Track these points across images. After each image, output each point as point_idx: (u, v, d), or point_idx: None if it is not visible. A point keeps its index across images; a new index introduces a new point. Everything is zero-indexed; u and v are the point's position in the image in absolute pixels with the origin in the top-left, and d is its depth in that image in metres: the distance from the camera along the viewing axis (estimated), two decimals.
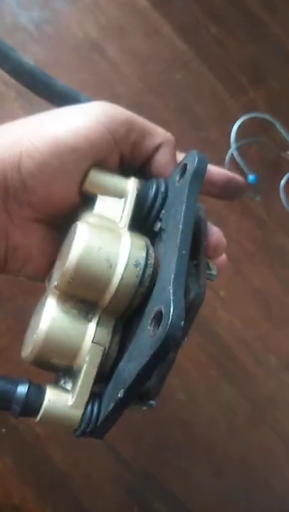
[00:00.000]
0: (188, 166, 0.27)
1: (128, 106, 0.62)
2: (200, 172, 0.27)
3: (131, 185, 0.29)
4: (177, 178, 0.28)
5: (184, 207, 0.25)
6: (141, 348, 0.23)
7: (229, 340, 0.58)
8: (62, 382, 0.27)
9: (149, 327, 0.23)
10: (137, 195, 0.29)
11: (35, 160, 0.27)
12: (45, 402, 0.25)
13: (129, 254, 0.25)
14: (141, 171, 0.31)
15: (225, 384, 0.58)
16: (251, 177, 0.63)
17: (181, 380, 0.57)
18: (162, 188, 0.28)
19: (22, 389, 0.26)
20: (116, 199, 0.29)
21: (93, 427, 0.26)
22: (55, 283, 0.26)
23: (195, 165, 0.26)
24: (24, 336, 0.29)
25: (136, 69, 0.64)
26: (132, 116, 0.32)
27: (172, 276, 0.23)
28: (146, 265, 0.25)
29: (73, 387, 0.26)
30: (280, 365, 0.59)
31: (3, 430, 0.52)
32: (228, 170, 0.63)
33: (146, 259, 0.25)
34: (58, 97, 0.43)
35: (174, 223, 0.26)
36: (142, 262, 0.25)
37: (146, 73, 0.65)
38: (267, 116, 0.66)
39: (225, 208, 0.62)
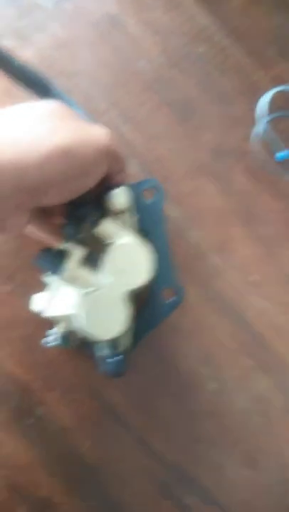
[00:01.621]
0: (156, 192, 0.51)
1: (150, 81, 0.59)
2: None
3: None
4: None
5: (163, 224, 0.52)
6: None
7: (262, 328, 0.55)
8: None
9: None
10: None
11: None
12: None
13: None
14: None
15: (258, 374, 0.55)
16: (281, 154, 0.59)
17: (211, 369, 0.55)
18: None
19: None
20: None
21: None
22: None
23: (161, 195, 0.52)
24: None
25: (157, 43, 0.61)
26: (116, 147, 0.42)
27: None
28: None
29: None
30: None
31: (31, 421, 0.51)
32: (257, 146, 0.60)
33: None
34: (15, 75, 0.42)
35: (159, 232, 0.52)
36: None
37: (168, 47, 0.61)
38: None
39: (255, 187, 0.59)
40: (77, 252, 0.42)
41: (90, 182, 0.39)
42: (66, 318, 0.44)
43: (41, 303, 0.46)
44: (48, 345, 0.48)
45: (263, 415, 0.54)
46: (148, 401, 0.53)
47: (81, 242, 0.44)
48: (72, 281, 0.42)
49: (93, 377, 0.52)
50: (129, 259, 0.42)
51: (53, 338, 0.47)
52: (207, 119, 0.60)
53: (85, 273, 0.42)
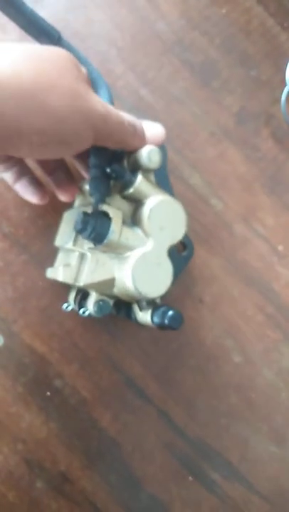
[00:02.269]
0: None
1: (169, 43, 0.57)
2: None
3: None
4: None
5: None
6: None
7: None
8: None
9: None
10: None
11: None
12: None
13: None
14: None
15: (284, 346, 0.52)
16: None
17: (236, 341, 0.52)
18: None
19: None
20: None
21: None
22: None
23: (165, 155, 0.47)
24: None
25: (176, 4, 0.58)
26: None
27: None
28: None
29: None
30: None
31: (48, 393, 0.49)
32: (285, 111, 0.57)
33: None
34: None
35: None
36: None
37: (188, 8, 0.58)
38: None
39: (281, 153, 0.56)
40: (117, 213, 0.41)
41: (70, 145, 0.35)
42: (102, 285, 0.42)
43: (69, 273, 0.43)
44: (68, 309, 0.46)
45: None
46: (170, 373, 0.51)
47: (117, 202, 0.42)
48: (116, 244, 0.40)
49: (112, 349, 0.50)
50: (168, 216, 0.42)
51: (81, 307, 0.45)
52: (230, 82, 0.58)
53: (129, 234, 0.41)
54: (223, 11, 0.59)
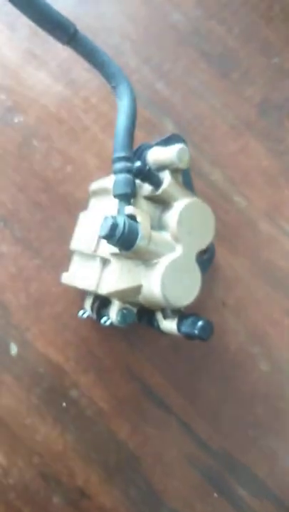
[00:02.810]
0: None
1: (185, 34, 0.54)
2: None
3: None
4: None
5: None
6: None
7: None
8: None
9: None
10: None
11: None
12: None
13: None
14: None
15: None
16: None
17: (263, 347, 0.49)
18: None
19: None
20: None
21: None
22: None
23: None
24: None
25: None
26: None
27: None
28: None
29: None
30: None
31: (63, 404, 0.47)
32: None
33: None
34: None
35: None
36: None
37: None
38: None
39: None
40: (146, 217, 0.37)
41: None
42: (126, 293, 0.39)
43: (89, 280, 0.41)
44: (84, 316, 0.43)
45: None
46: (192, 382, 0.48)
47: (142, 204, 0.39)
48: (145, 251, 0.37)
49: (130, 357, 0.48)
50: (197, 219, 0.39)
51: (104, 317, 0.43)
52: (251, 72, 0.54)
53: (158, 240, 0.38)
54: None
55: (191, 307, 0.40)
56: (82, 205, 0.47)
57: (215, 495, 0.47)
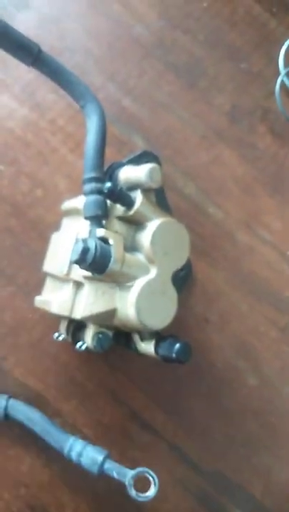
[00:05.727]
0: None
1: (149, 47, 0.53)
2: None
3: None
4: None
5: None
6: None
7: None
8: None
9: None
10: None
11: None
12: None
13: None
14: None
15: None
16: None
17: (250, 361, 0.48)
18: None
19: None
20: None
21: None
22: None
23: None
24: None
25: (154, 5, 0.55)
26: None
27: None
28: None
29: None
30: None
31: None
32: (280, 102, 0.52)
33: None
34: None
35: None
36: None
37: (167, 7, 0.55)
38: None
39: (282, 149, 0.51)
40: (118, 239, 0.36)
41: None
42: (101, 317, 0.38)
43: (63, 304, 0.40)
44: (60, 338, 0.42)
45: None
46: (178, 402, 0.47)
47: (114, 225, 0.38)
48: (118, 274, 0.36)
49: (113, 381, 0.47)
50: (171, 239, 0.38)
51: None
52: (219, 79, 0.53)
53: (132, 262, 0.37)
54: (204, 4, 0.55)
55: (172, 326, 0.39)
56: (54, 228, 0.46)
57: None
